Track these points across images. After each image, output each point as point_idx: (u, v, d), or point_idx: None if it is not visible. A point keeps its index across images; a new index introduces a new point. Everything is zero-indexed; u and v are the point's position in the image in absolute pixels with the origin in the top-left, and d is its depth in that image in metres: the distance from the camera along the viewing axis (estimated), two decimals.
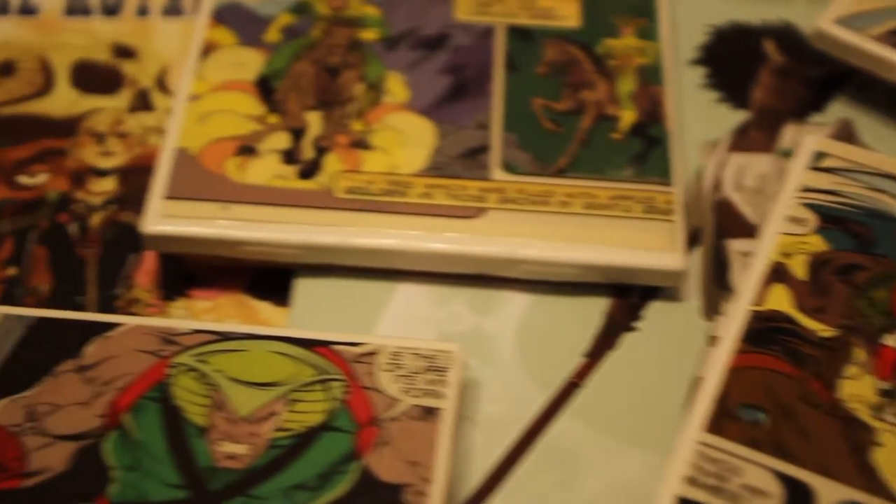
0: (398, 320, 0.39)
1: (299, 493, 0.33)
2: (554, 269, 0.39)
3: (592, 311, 0.39)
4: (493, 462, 0.36)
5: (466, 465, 0.36)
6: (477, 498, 0.35)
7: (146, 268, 0.42)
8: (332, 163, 0.41)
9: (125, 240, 0.43)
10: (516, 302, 0.40)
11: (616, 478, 0.36)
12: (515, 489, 0.35)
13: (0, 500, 0.33)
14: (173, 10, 0.49)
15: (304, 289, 0.40)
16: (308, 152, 0.41)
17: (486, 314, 0.39)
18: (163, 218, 0.39)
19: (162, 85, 0.47)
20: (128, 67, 0.47)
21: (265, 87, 0.43)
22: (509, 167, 0.41)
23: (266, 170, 0.41)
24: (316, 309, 0.40)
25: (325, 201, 0.40)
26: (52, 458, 0.34)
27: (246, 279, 0.42)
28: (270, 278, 0.41)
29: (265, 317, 0.41)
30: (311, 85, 0.43)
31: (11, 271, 0.42)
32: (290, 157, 0.41)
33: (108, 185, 0.44)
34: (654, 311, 0.39)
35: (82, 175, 0.44)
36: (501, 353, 0.39)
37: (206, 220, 0.39)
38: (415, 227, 0.39)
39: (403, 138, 0.42)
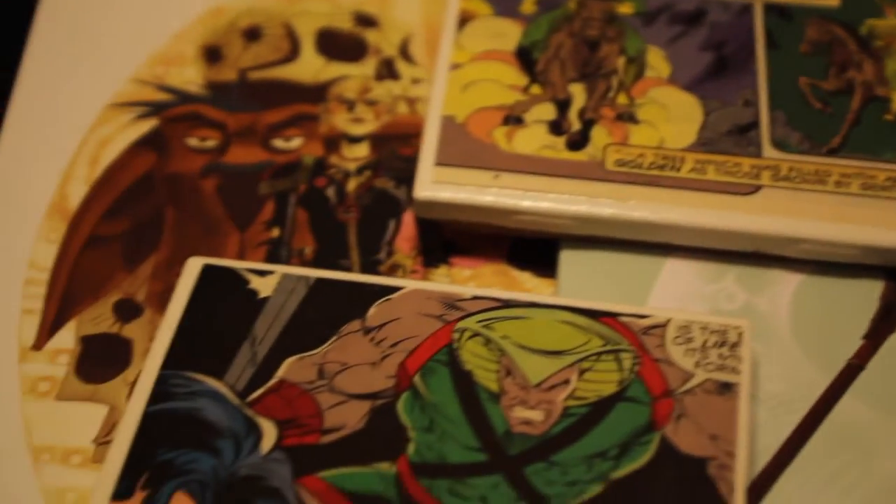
0: (669, 295, 0.39)
1: (600, 462, 0.33)
2: (832, 250, 0.38)
3: (867, 294, 0.39)
4: (780, 441, 0.36)
5: (754, 442, 0.36)
6: (768, 475, 0.35)
7: (406, 234, 0.42)
8: (599, 135, 0.41)
9: (382, 206, 0.43)
10: (787, 281, 0.39)
11: None
12: (805, 468, 0.35)
13: (301, 454, 0.34)
14: None
15: (571, 260, 0.40)
16: (574, 124, 0.41)
17: (757, 292, 0.39)
18: (434, 184, 0.40)
19: (405, 54, 0.47)
20: (370, 36, 0.48)
21: (525, 58, 0.43)
22: (781, 145, 0.40)
23: (534, 140, 0.41)
24: (584, 281, 0.40)
25: (595, 173, 0.40)
26: (347, 416, 0.35)
27: (505, 248, 0.42)
28: (530, 248, 0.42)
29: (528, 287, 0.41)
30: (571, 57, 0.43)
31: (275, 233, 0.43)
32: (556, 127, 0.41)
33: (361, 152, 0.45)
34: None
35: (335, 141, 0.45)
36: (777, 332, 0.38)
37: (478, 188, 0.39)
38: (689, 203, 0.39)
39: (669, 113, 0.41)
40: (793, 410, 0.36)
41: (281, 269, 0.39)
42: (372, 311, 0.37)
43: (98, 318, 0.40)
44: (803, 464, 0.35)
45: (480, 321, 0.37)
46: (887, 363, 0.37)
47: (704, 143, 0.40)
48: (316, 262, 0.41)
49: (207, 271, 0.39)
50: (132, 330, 0.40)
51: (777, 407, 0.36)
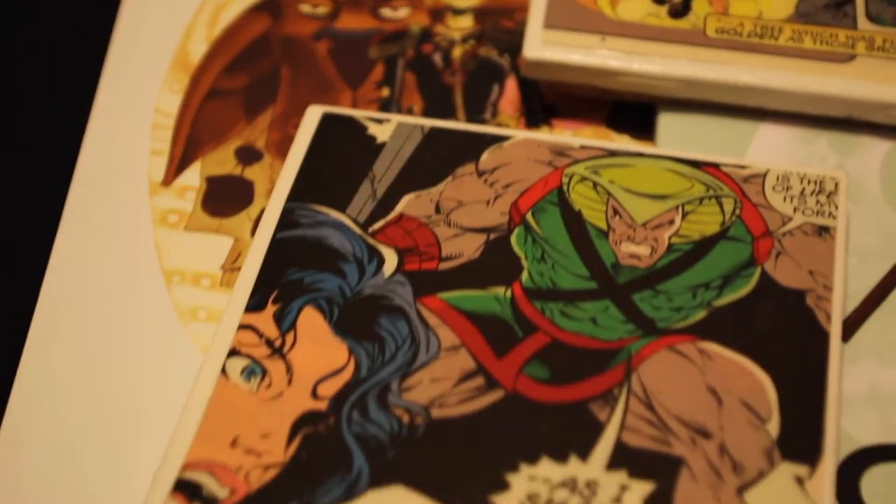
0: (763, 157, 0.41)
1: (704, 291, 0.36)
2: None
3: None
4: (870, 286, 0.38)
5: (846, 286, 0.37)
6: (859, 314, 0.37)
7: (509, 97, 0.44)
8: (700, 5, 0.42)
9: (486, 71, 0.45)
10: (878, 146, 0.41)
11: None
12: (893, 311, 0.37)
13: (421, 278, 0.36)
14: None
15: (669, 123, 0.42)
16: None
17: (849, 155, 0.41)
18: (544, 45, 0.42)
19: None
20: None
21: None
22: (876, 18, 0.42)
23: (638, 8, 0.42)
24: (681, 143, 0.41)
25: (697, 39, 0.42)
26: (463, 247, 0.37)
27: (605, 112, 0.44)
28: (628, 112, 0.44)
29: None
30: None
31: (385, 92, 0.45)
32: None
33: (465, 23, 0.46)
34: None
35: (441, 12, 0.47)
36: (868, 191, 0.40)
37: (586, 49, 0.41)
38: (787, 69, 0.41)
39: None
40: (882, 260, 0.38)
41: (397, 117, 0.41)
42: (484, 156, 0.39)
43: (221, 160, 0.42)
44: (892, 306, 0.37)
45: (588, 167, 0.39)
46: None
47: (802, 15, 0.42)
48: None
49: (327, 118, 0.41)
50: (253, 172, 0.42)
51: (868, 257, 0.38)
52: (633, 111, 0.43)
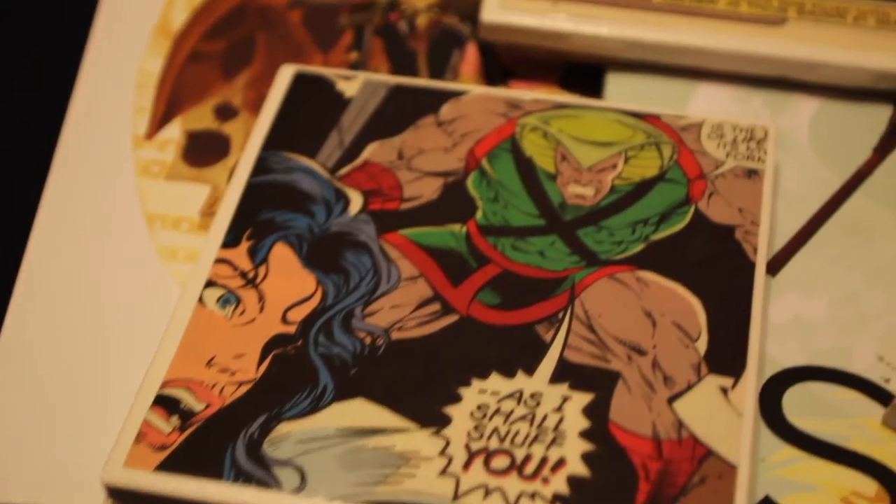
0: (702, 112, 0.44)
1: (642, 227, 0.39)
2: (849, 75, 0.43)
3: (878, 116, 0.44)
4: (796, 228, 0.41)
5: (774, 229, 0.41)
6: (786, 252, 0.40)
7: (469, 60, 0.47)
8: None
9: (448, 38, 0.48)
10: (808, 104, 0.44)
11: None
12: (817, 249, 0.40)
13: (384, 216, 0.39)
14: None
15: (616, 82, 0.45)
16: None
17: (781, 112, 0.44)
18: (500, 9, 0.45)
19: None
20: None
21: None
22: None
23: None
24: (627, 100, 0.45)
25: (643, 4, 0.45)
26: (423, 189, 0.40)
27: (557, 74, 0.47)
28: (579, 74, 0.47)
29: None
30: None
31: (353, 56, 0.48)
32: None
33: None
34: None
35: None
36: (797, 143, 0.43)
37: (540, 13, 0.45)
38: (724, 31, 0.44)
39: None
40: (808, 205, 0.42)
41: (364, 74, 0.44)
42: (444, 108, 0.43)
43: (200, 117, 0.45)
44: (816, 245, 0.41)
45: (539, 118, 0.42)
46: (891, 170, 0.42)
47: None
48: None
49: (299, 77, 0.44)
50: (230, 127, 0.45)
51: (795, 202, 0.42)
52: (584, 73, 0.47)
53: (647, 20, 0.44)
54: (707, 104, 0.45)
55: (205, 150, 0.44)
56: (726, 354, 0.36)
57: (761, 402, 0.37)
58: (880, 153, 0.43)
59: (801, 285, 0.40)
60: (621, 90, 0.45)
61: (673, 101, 0.45)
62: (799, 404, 0.37)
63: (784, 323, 0.39)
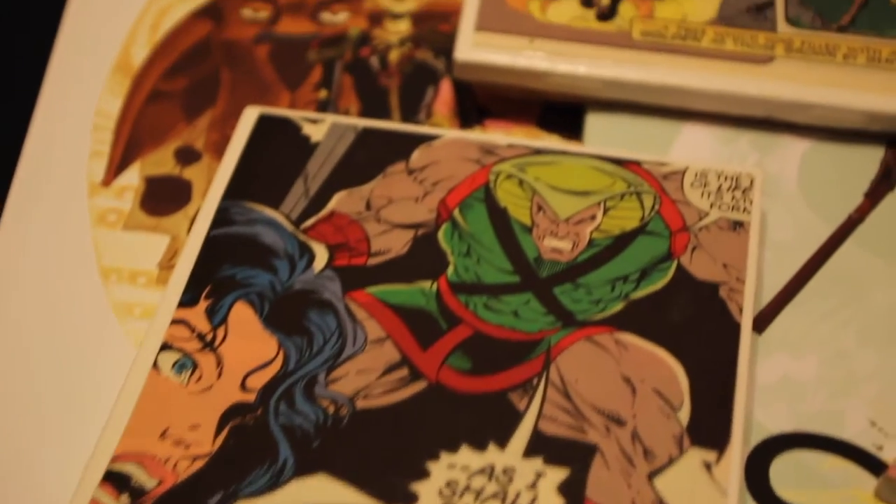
0: (686, 156, 0.42)
1: (622, 284, 0.37)
2: (838, 115, 0.41)
3: (869, 158, 0.42)
4: (784, 280, 0.39)
5: (761, 282, 0.39)
6: (773, 307, 0.38)
7: (444, 99, 0.45)
8: (627, 8, 0.44)
9: (422, 74, 0.46)
10: (797, 145, 0.42)
11: None
12: (807, 303, 0.38)
13: (350, 273, 0.37)
14: None
15: (596, 123, 0.43)
16: None
17: (769, 154, 0.42)
18: (474, 47, 0.43)
19: None
20: None
21: None
22: (794, 21, 0.43)
23: (566, 11, 0.44)
24: (608, 143, 0.43)
25: (623, 41, 0.43)
26: (392, 242, 0.38)
27: (536, 113, 0.45)
28: (558, 113, 0.45)
29: None
30: None
31: (323, 94, 0.46)
32: (587, 1, 0.44)
33: (402, 27, 0.48)
34: None
35: (379, 16, 0.48)
36: (785, 189, 0.41)
37: (514, 51, 0.43)
38: (709, 70, 0.42)
39: None
40: (798, 255, 0.40)
41: (331, 117, 0.42)
42: (415, 154, 0.41)
43: (160, 161, 0.43)
44: (805, 298, 0.39)
45: (515, 165, 0.40)
46: (884, 217, 0.41)
47: (724, 18, 0.44)
48: None
49: (263, 119, 0.42)
50: (192, 172, 0.43)
51: (783, 252, 0.40)
52: (563, 112, 0.45)
53: (627, 58, 0.42)
54: (692, 145, 0.43)
55: (164, 198, 0.42)
56: (710, 425, 0.34)
57: (747, 472, 0.35)
58: (872, 198, 0.41)
59: (789, 343, 0.38)
60: (602, 131, 0.43)
61: (656, 142, 0.43)
62: (787, 475, 0.35)
63: (772, 383, 0.37)
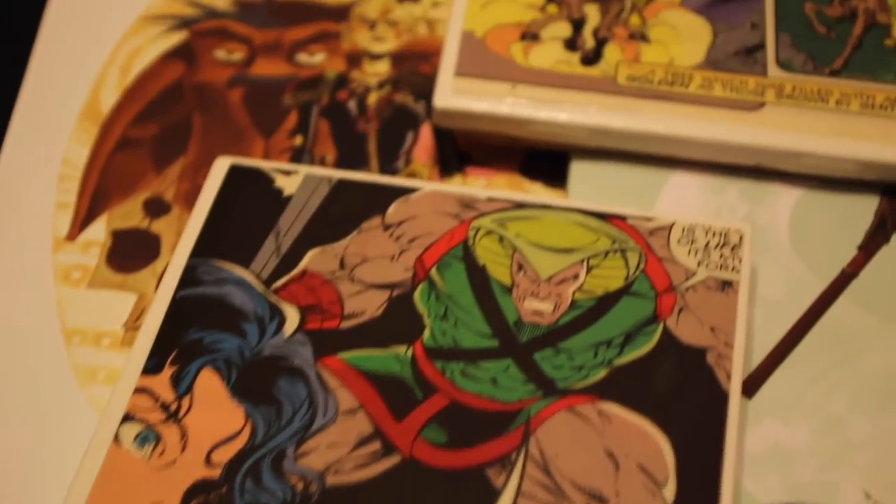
0: (674, 207, 0.41)
1: (606, 349, 0.35)
2: (831, 164, 0.40)
3: (863, 208, 0.40)
4: (775, 341, 0.38)
5: (750, 342, 0.37)
6: (763, 370, 0.37)
7: (423, 145, 0.44)
8: (612, 52, 0.42)
9: (401, 118, 0.45)
10: (788, 195, 0.41)
11: (894, 360, 0.37)
12: (798, 366, 0.37)
13: (322, 337, 0.36)
14: None
15: (581, 171, 0.42)
16: (589, 41, 0.43)
17: (759, 205, 0.41)
18: (453, 93, 0.41)
19: None
20: None
21: None
22: (786, 65, 0.42)
23: (550, 55, 0.42)
24: (593, 192, 0.41)
25: (608, 87, 0.41)
26: (366, 304, 0.37)
27: (518, 160, 0.44)
28: (541, 160, 0.43)
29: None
30: None
31: (298, 140, 0.44)
32: (571, 44, 0.43)
33: (381, 68, 0.46)
34: None
35: (357, 57, 0.46)
36: (776, 241, 0.40)
37: (495, 98, 0.41)
38: (697, 117, 0.41)
39: (679, 34, 0.43)
40: (789, 314, 0.38)
41: (305, 168, 0.41)
42: (391, 209, 0.39)
43: (128, 213, 0.42)
44: (796, 360, 0.37)
45: (495, 220, 0.39)
46: (879, 272, 0.39)
47: (712, 62, 0.42)
48: (338, 169, 0.43)
49: (234, 170, 0.40)
50: (160, 226, 0.41)
51: (774, 309, 0.38)
52: (547, 159, 0.43)
53: (612, 105, 0.41)
54: (680, 194, 0.41)
55: (132, 253, 0.40)
56: (696, 501, 0.32)
57: None
58: (867, 251, 0.40)
59: (779, 409, 0.36)
60: (587, 179, 0.42)
61: (643, 191, 0.41)
62: None
63: (762, 452, 0.35)
